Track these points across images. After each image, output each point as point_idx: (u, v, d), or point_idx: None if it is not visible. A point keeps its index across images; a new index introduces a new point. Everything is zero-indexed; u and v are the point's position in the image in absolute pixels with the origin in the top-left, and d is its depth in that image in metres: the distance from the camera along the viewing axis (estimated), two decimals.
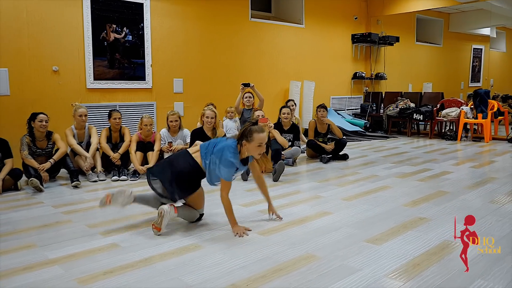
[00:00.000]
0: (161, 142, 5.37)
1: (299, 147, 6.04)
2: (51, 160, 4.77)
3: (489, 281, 2.29)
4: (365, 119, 9.41)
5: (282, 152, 5.81)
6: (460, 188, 4.45)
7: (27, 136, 4.80)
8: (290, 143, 5.93)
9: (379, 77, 10.15)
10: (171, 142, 5.37)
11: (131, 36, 6.21)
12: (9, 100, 5.28)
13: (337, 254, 2.70)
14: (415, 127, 9.35)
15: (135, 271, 2.49)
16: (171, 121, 5.43)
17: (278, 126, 6.01)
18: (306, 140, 6.47)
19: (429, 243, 2.88)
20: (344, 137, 6.48)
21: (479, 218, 3.38)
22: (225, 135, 5.53)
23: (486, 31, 13.22)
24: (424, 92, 9.66)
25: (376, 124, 9.51)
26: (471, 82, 13.44)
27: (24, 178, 4.66)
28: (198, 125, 5.70)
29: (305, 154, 6.54)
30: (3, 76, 5.22)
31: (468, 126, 8.62)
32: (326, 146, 6.20)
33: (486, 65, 14.04)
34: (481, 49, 13.74)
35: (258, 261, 2.61)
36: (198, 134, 5.29)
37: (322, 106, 6.47)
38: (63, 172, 5.11)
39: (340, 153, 6.23)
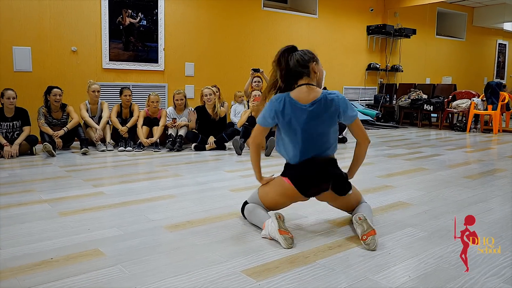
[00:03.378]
0: (167, 119, 5.78)
1: None
2: (65, 128, 5.27)
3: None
4: (377, 110, 9.54)
5: None
6: (441, 166, 4.62)
7: (44, 107, 5.31)
8: None
9: (394, 69, 10.23)
10: (175, 118, 5.76)
11: (145, 21, 6.65)
12: (31, 76, 5.82)
13: None
14: (427, 119, 9.41)
15: (110, 209, 2.88)
16: (177, 100, 5.83)
17: None
18: None
19: (381, 203, 3.13)
20: None
21: (444, 187, 3.60)
22: (225, 115, 5.90)
23: (511, 26, 13.01)
24: (437, 84, 9.68)
25: (389, 115, 9.62)
26: (495, 78, 13.25)
27: (40, 146, 5.17)
28: None
29: None
30: (26, 54, 5.77)
31: (479, 118, 8.61)
32: None
33: (510, 62, 13.80)
34: (505, 44, 13.51)
35: (220, 207, 2.95)
36: (199, 111, 5.69)
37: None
38: (76, 143, 5.61)
39: (339, 136, 6.45)
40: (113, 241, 2.29)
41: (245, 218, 2.62)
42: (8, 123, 5.01)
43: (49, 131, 5.18)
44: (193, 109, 5.75)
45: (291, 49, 2.46)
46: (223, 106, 6.23)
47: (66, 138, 5.36)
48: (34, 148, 5.08)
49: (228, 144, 5.64)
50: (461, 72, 12.10)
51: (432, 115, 9.38)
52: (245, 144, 5.46)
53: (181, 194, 3.30)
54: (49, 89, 5.32)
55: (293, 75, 2.42)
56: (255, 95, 5.54)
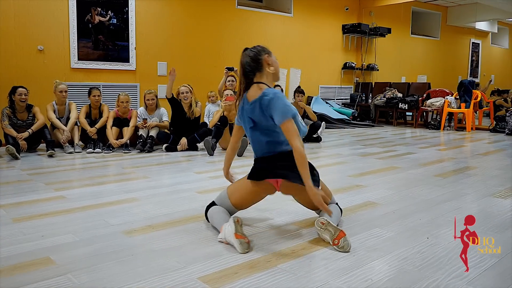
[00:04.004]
0: (137, 119, 5.64)
1: None
2: (29, 130, 5.07)
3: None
4: (353, 109, 9.55)
5: None
6: (413, 165, 4.61)
7: (8, 108, 5.12)
8: None
9: (370, 68, 10.27)
10: (146, 119, 5.63)
11: (115, 19, 6.49)
12: None
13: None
14: (402, 117, 9.46)
15: (69, 214, 2.75)
16: (148, 99, 5.70)
17: None
18: None
19: (350, 203, 3.08)
20: (318, 120, 6.65)
21: (415, 186, 3.57)
22: (200, 115, 5.78)
23: (484, 26, 13.23)
24: (412, 83, 9.74)
25: (365, 113, 9.65)
26: (469, 77, 13.44)
27: (3, 149, 4.97)
28: None
29: None
30: None
31: (453, 116, 8.71)
32: None
33: (484, 61, 14.02)
34: (479, 43, 13.72)
35: (184, 210, 2.85)
36: (176, 105, 5.53)
37: (300, 91, 6.67)
38: (43, 145, 5.42)
39: (314, 136, 6.41)
40: (66, 249, 2.18)
41: (208, 220, 2.53)
42: None
43: (13, 133, 4.99)
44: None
45: (244, 50, 2.45)
46: (196, 106, 6.10)
47: (31, 140, 5.18)
48: None
49: (201, 145, 5.54)
50: (436, 71, 12.22)
51: (407, 113, 9.44)
52: (217, 145, 5.37)
53: (145, 197, 3.19)
54: (14, 89, 5.12)
55: (248, 72, 2.38)
56: (227, 94, 5.44)
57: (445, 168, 4.45)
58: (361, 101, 9.81)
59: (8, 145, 4.72)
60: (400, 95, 9.10)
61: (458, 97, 8.33)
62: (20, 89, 5.11)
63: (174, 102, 5.50)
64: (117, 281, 1.82)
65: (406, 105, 8.69)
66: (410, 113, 9.42)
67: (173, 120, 5.57)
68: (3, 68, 5.67)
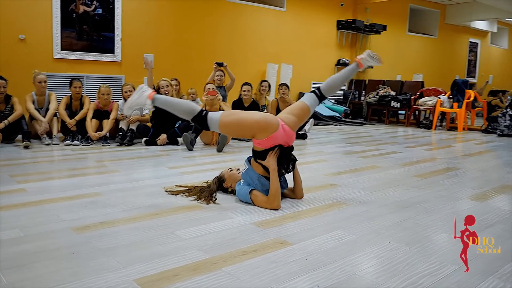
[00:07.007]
0: (118, 112, 5.54)
1: None
2: (5, 121, 4.98)
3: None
4: (346, 106, 9.43)
5: None
6: (395, 164, 4.50)
7: None
8: None
9: None
10: None
11: (101, 10, 6.38)
12: None
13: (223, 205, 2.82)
14: (395, 116, 9.35)
15: (23, 208, 2.65)
16: (126, 92, 5.60)
17: (239, 102, 6.14)
18: None
19: (319, 202, 2.97)
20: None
21: (390, 186, 3.47)
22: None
23: (484, 25, 13.08)
24: (405, 81, 9.62)
25: (357, 111, 9.53)
26: (467, 77, 13.30)
27: None
28: None
29: None
30: None
31: (445, 116, 8.59)
32: None
33: (482, 60, 13.87)
34: (477, 43, 13.57)
35: (143, 207, 2.76)
36: None
37: (284, 84, 6.58)
38: (21, 136, 5.32)
39: (300, 132, 6.30)
40: (7, 245, 2.08)
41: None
42: None
43: None
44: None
45: None
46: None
47: (8, 131, 5.08)
48: None
49: (181, 139, 5.43)
50: (433, 70, 12.10)
51: (400, 112, 9.32)
52: (197, 140, 5.26)
53: (108, 192, 3.09)
54: None
55: None
56: (209, 88, 5.34)
57: (426, 169, 4.34)
58: (354, 98, 9.69)
59: None
60: (393, 93, 8.98)
61: (451, 96, 8.21)
62: None
63: None
64: (49, 280, 1.72)
65: (398, 103, 8.58)
66: (403, 112, 9.30)
67: (154, 113, 5.46)
68: None
